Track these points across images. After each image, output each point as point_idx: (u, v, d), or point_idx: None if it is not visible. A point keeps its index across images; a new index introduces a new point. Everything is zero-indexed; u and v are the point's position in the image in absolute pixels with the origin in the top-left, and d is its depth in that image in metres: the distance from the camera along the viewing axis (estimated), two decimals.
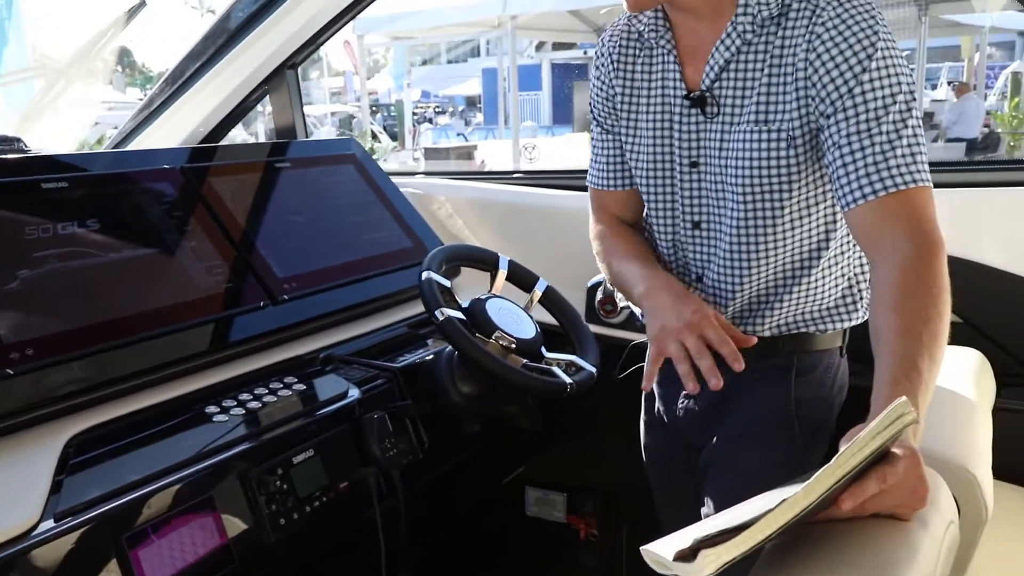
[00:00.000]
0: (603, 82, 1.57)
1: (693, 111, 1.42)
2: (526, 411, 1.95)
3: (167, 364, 1.63)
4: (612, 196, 1.64)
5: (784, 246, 1.42)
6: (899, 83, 1.26)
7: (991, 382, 1.70)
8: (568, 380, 1.72)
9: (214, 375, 1.69)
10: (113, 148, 2.85)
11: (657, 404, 1.66)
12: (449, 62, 39.00)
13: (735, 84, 1.37)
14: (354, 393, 1.71)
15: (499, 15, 11.89)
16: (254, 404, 1.59)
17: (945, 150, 11.13)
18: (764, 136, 1.34)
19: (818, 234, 1.42)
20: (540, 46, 18.58)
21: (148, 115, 2.75)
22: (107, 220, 1.73)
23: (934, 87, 21.64)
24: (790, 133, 1.32)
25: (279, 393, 1.64)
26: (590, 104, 1.63)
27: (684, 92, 1.42)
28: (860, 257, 1.48)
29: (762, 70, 1.34)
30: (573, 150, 17.09)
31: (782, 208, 1.38)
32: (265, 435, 1.53)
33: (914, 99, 1.28)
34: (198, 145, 2.55)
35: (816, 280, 1.44)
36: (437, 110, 29.84)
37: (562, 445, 2.46)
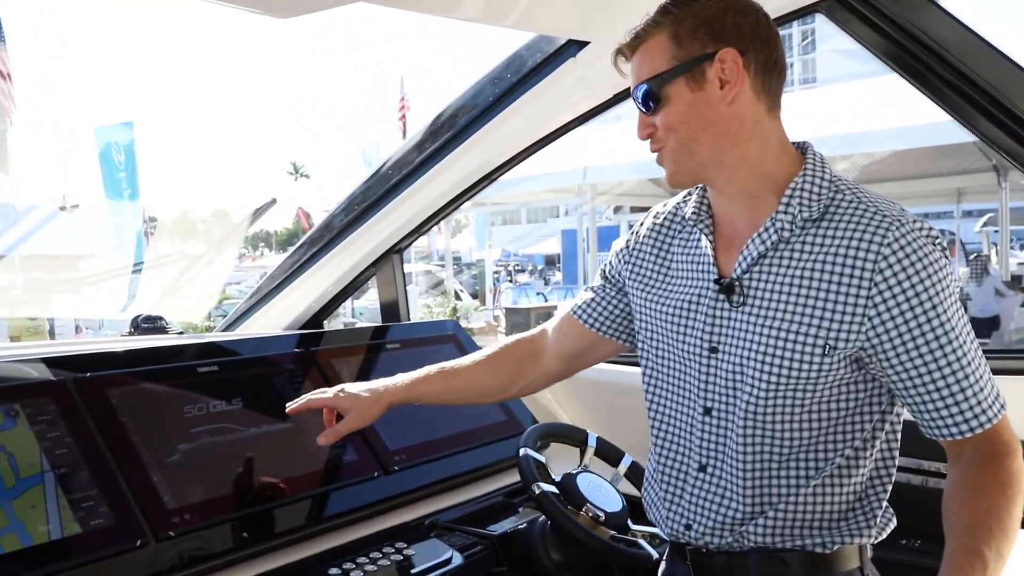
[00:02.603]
0: (630, 250, 1.62)
1: (720, 297, 1.41)
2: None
3: (295, 529, 1.85)
4: (573, 328, 1.71)
5: (799, 441, 1.38)
6: (966, 318, 1.31)
7: None
8: (654, 553, 1.86)
9: (335, 538, 1.90)
10: (236, 319, 3.16)
11: None
12: (528, 222, 40.21)
13: (767, 278, 1.37)
14: (457, 560, 1.89)
15: (579, 183, 12.41)
16: (371, 567, 1.78)
17: None
18: (794, 337, 1.33)
19: (833, 434, 1.39)
20: (618, 209, 19.18)
21: (266, 294, 3.06)
22: (248, 400, 2.00)
23: (1022, 247, 21.45)
24: (829, 342, 1.31)
25: (391, 557, 1.83)
26: (608, 260, 1.69)
27: (715, 276, 1.42)
28: (875, 474, 1.44)
29: (797, 270, 1.34)
30: None
31: (801, 404, 1.36)
32: None
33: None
34: (326, 330, 2.82)
35: (826, 483, 1.40)
36: (517, 268, 30.63)
37: None
